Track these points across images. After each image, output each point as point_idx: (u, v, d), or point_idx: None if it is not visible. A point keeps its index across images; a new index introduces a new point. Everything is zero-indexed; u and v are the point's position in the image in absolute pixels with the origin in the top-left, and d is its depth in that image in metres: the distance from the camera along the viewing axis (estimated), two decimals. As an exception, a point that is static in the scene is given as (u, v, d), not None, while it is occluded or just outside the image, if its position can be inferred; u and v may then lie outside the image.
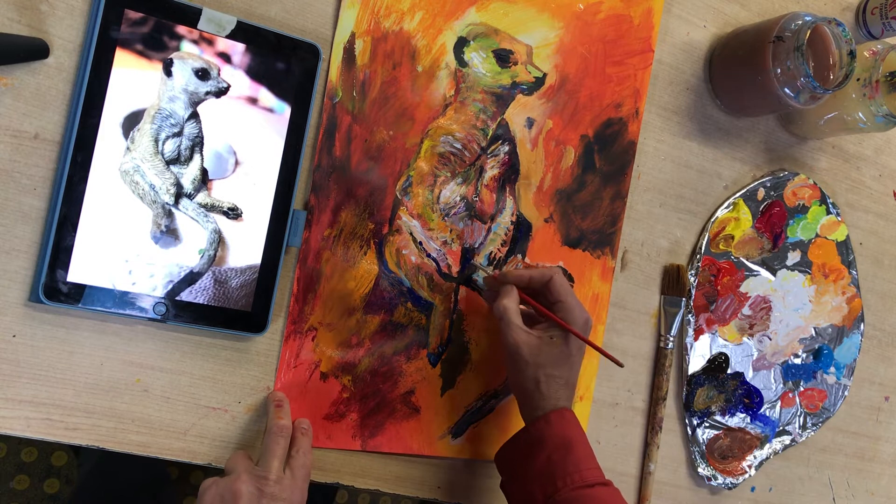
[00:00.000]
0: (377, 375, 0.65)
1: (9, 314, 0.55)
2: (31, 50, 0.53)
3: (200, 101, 0.57)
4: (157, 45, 0.56)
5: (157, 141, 0.56)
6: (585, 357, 0.73)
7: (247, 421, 0.62)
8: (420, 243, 0.66)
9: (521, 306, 0.64)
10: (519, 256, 0.70)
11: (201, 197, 0.58)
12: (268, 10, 0.61)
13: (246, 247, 0.59)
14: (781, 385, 0.83)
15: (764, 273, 0.81)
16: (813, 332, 0.84)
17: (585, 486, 0.58)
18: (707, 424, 0.80)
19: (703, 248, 0.78)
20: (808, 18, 0.68)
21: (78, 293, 0.55)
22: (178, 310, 0.57)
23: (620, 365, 0.63)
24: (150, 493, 0.96)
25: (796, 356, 0.84)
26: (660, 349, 0.77)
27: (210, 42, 0.57)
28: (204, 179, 0.58)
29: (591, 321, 0.63)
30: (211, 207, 0.58)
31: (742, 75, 0.74)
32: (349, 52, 0.63)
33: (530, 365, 0.61)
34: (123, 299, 0.56)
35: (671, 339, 0.77)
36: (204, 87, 0.57)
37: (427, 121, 0.66)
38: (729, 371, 0.80)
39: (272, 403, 0.60)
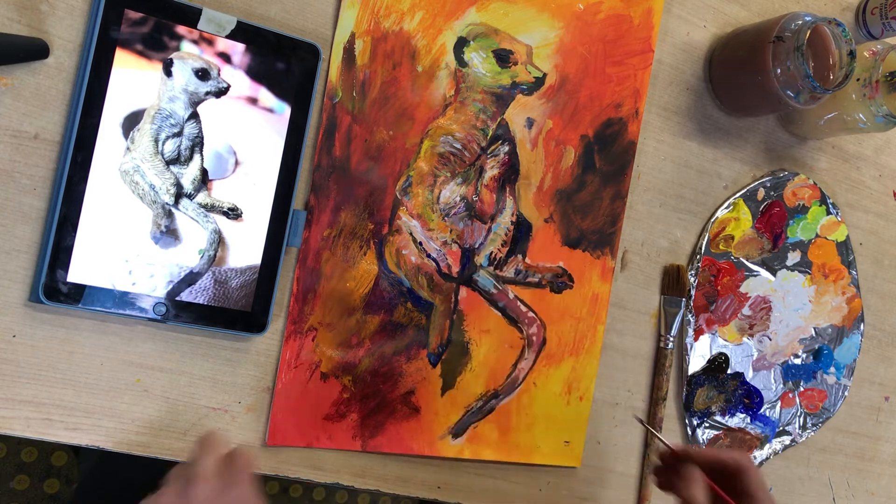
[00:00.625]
0: (377, 375, 0.65)
1: (9, 314, 0.55)
2: (31, 50, 0.53)
3: (200, 101, 0.57)
4: (157, 45, 0.56)
5: (157, 141, 0.56)
6: (585, 357, 0.73)
7: (247, 421, 0.62)
8: (420, 243, 0.66)
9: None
10: (519, 257, 0.70)
11: (201, 197, 0.58)
12: (268, 10, 0.61)
13: (246, 247, 0.59)
14: (781, 385, 0.83)
15: (764, 273, 0.81)
16: (813, 333, 0.84)
17: None
18: (707, 424, 0.80)
19: (703, 249, 0.78)
20: (808, 18, 0.68)
21: (78, 293, 0.55)
22: (178, 310, 0.57)
23: None
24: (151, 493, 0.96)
25: (796, 356, 0.84)
26: (660, 349, 0.77)
27: (210, 42, 0.57)
28: (204, 179, 0.58)
29: None
30: (211, 207, 0.58)
31: (742, 75, 0.74)
32: (349, 52, 0.63)
33: None
34: (123, 299, 0.56)
35: (671, 339, 0.77)
36: (204, 87, 0.57)
37: (427, 121, 0.66)
38: (729, 371, 0.80)
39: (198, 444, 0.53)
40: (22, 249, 0.55)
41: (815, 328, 0.84)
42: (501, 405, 0.70)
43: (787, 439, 0.84)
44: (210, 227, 0.58)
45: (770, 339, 0.82)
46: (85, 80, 0.54)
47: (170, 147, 0.57)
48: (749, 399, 0.81)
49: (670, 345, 0.77)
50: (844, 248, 0.85)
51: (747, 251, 0.80)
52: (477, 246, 0.69)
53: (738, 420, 0.81)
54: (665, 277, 0.77)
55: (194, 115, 0.57)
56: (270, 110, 0.60)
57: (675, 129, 0.77)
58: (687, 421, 0.79)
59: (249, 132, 0.59)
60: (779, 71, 0.68)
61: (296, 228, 0.61)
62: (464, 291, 0.68)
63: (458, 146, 0.67)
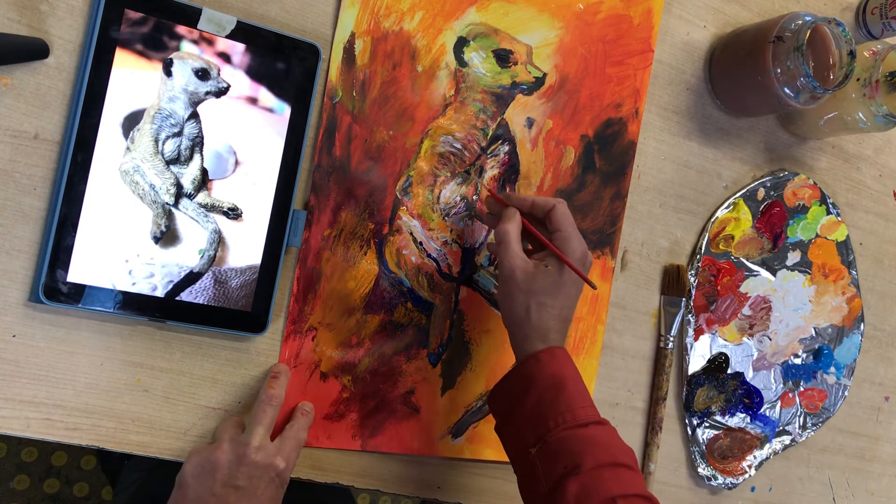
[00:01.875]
0: (377, 375, 0.65)
1: (9, 314, 0.55)
2: (31, 50, 0.53)
3: (200, 101, 0.57)
4: (157, 45, 0.56)
5: (157, 141, 0.56)
6: (585, 358, 0.73)
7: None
8: (420, 243, 0.66)
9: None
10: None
11: (201, 197, 0.58)
12: (267, 10, 0.61)
13: (246, 247, 0.59)
14: (781, 385, 0.83)
15: (764, 273, 0.81)
16: (813, 332, 0.84)
17: (578, 425, 0.55)
18: (707, 424, 0.80)
19: (703, 248, 0.78)
20: (808, 18, 0.68)
21: (78, 293, 0.55)
22: (178, 310, 0.57)
23: (593, 287, 0.60)
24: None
25: (796, 356, 0.84)
26: (660, 349, 0.77)
27: (210, 42, 0.57)
28: (204, 179, 0.58)
29: (591, 256, 0.61)
30: (211, 207, 0.58)
31: (742, 75, 0.74)
32: (349, 52, 0.63)
33: (522, 292, 0.58)
34: (123, 299, 0.56)
35: (671, 339, 0.77)
36: (204, 87, 0.57)
37: (427, 121, 0.66)
38: (729, 371, 0.80)
39: (269, 375, 0.61)
40: (22, 249, 0.55)
41: (815, 328, 0.84)
42: (501, 405, 0.70)
43: (787, 439, 0.84)
44: (210, 227, 0.58)
45: (770, 339, 0.82)
46: (85, 80, 0.54)
47: (170, 147, 0.57)
48: (749, 399, 0.81)
49: (670, 345, 0.77)
50: (844, 247, 0.85)
51: (747, 251, 0.80)
52: (477, 246, 0.69)
53: (738, 420, 0.81)
54: (665, 277, 0.77)
55: (194, 115, 0.57)
56: (270, 110, 0.60)
57: (675, 129, 0.77)
58: (687, 421, 0.79)
59: (249, 132, 0.59)
60: (779, 71, 0.68)
61: (296, 228, 0.61)
62: (464, 291, 0.68)
63: (458, 146, 0.67)
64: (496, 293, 0.62)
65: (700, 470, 0.80)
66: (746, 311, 0.81)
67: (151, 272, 0.57)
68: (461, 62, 0.67)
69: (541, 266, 0.59)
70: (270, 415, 0.58)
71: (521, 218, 0.61)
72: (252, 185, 0.59)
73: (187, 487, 0.54)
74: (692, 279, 0.77)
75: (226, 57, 0.58)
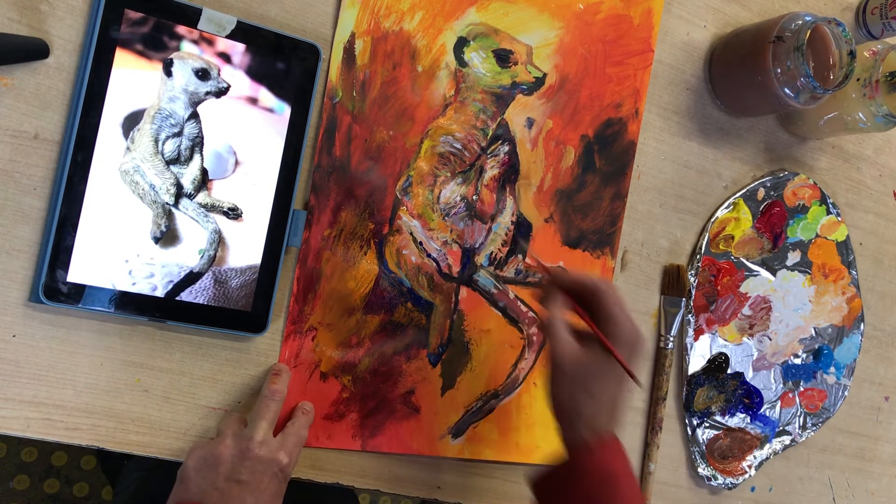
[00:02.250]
0: (377, 375, 0.65)
1: (9, 314, 0.55)
2: (31, 50, 0.53)
3: (200, 101, 0.57)
4: (157, 45, 0.56)
5: (157, 141, 0.56)
6: (585, 357, 0.73)
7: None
8: (420, 243, 0.66)
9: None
10: (519, 257, 0.70)
11: (201, 197, 0.58)
12: (268, 10, 0.61)
13: (246, 247, 0.59)
14: (781, 385, 0.83)
15: (764, 273, 0.81)
16: (813, 332, 0.84)
17: None
18: (707, 424, 0.80)
19: (703, 248, 0.78)
20: (808, 18, 0.68)
21: (78, 293, 0.55)
22: (178, 310, 0.57)
23: (640, 384, 0.58)
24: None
25: (796, 356, 0.84)
26: (660, 349, 0.77)
27: (210, 42, 0.57)
28: (204, 179, 0.58)
29: (644, 339, 0.58)
30: (211, 207, 0.58)
31: (742, 75, 0.74)
32: (349, 52, 0.63)
33: (570, 380, 0.55)
34: (123, 299, 0.56)
35: (671, 339, 0.77)
36: (204, 87, 0.57)
37: (427, 121, 0.66)
38: (729, 371, 0.80)
39: (270, 372, 0.61)
40: (22, 249, 0.55)
41: (815, 328, 0.84)
42: (501, 405, 0.70)
43: (787, 439, 0.84)
44: (210, 227, 0.58)
45: (770, 339, 0.82)
46: (85, 80, 0.54)
47: (170, 147, 0.57)
48: (749, 399, 0.81)
49: (670, 345, 0.77)
50: (844, 247, 0.85)
51: (747, 251, 0.80)
52: (477, 246, 0.69)
53: (738, 420, 0.81)
54: (665, 277, 0.77)
55: (194, 115, 0.57)
56: (270, 110, 0.60)
57: (675, 129, 0.77)
58: (687, 421, 0.79)
59: (249, 132, 0.59)
60: (779, 71, 0.68)
61: (296, 228, 0.61)
62: (464, 291, 0.68)
63: (458, 146, 0.67)
64: (547, 380, 0.58)
65: (700, 470, 0.80)
66: (746, 311, 0.81)
67: (151, 272, 0.57)
68: (461, 62, 0.67)
69: (589, 352, 0.55)
70: (273, 410, 0.58)
71: (571, 298, 0.58)
72: (252, 185, 0.59)
73: (189, 481, 0.54)
74: (692, 279, 0.77)
75: (226, 57, 0.58)
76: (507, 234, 0.69)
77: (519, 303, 0.70)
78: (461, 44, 0.67)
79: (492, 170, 0.69)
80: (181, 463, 0.58)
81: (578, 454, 0.55)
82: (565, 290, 0.58)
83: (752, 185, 0.80)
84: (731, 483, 0.81)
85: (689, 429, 0.79)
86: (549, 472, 0.57)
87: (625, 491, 0.53)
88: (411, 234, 0.66)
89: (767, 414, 0.82)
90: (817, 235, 0.83)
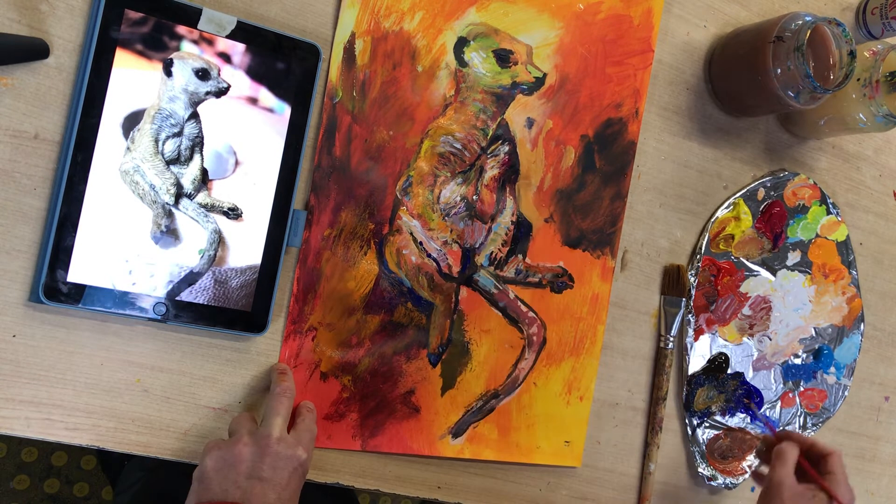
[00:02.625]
0: (377, 375, 0.65)
1: (9, 314, 0.55)
2: (31, 50, 0.53)
3: (200, 101, 0.57)
4: (157, 45, 0.56)
5: (157, 141, 0.56)
6: (586, 357, 0.73)
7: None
8: (420, 243, 0.66)
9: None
10: (520, 256, 0.70)
11: (201, 197, 0.58)
12: (268, 10, 0.61)
13: (246, 247, 0.59)
14: (781, 385, 0.83)
15: (764, 273, 0.81)
16: (813, 332, 0.84)
17: None
18: (707, 424, 0.80)
19: (703, 248, 0.78)
20: (808, 18, 0.68)
21: (78, 293, 0.55)
22: (178, 310, 0.57)
23: None
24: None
25: (796, 356, 0.84)
26: (660, 349, 0.77)
27: (210, 42, 0.57)
28: (204, 179, 0.58)
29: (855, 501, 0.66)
30: (211, 207, 0.58)
31: (742, 75, 0.74)
32: (349, 52, 0.63)
33: None
34: (123, 299, 0.56)
35: (671, 339, 0.77)
36: (204, 87, 0.57)
37: (427, 121, 0.66)
38: (729, 371, 0.80)
39: (275, 371, 0.61)
40: (22, 249, 0.55)
41: (815, 328, 0.84)
42: (501, 405, 0.70)
43: (787, 439, 0.84)
44: (210, 227, 0.58)
45: (770, 339, 0.82)
46: (85, 80, 0.54)
47: (170, 147, 0.57)
48: (749, 399, 0.81)
49: (670, 345, 0.77)
50: (844, 247, 0.85)
51: (747, 251, 0.80)
52: (477, 246, 0.69)
53: (738, 420, 0.81)
54: (665, 277, 0.77)
55: (194, 115, 0.57)
56: (270, 110, 0.60)
57: (675, 129, 0.77)
58: (687, 421, 0.79)
59: (249, 132, 0.59)
60: (779, 71, 0.68)
61: (296, 228, 0.61)
62: (464, 291, 0.68)
63: (458, 146, 0.67)
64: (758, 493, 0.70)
65: (700, 470, 0.80)
66: (746, 311, 0.81)
67: (151, 272, 0.57)
68: (461, 62, 0.67)
69: (808, 494, 0.64)
70: (286, 406, 0.58)
71: (798, 454, 0.67)
72: (252, 185, 0.59)
73: (210, 481, 0.53)
74: (692, 279, 0.77)
75: (226, 57, 0.58)
76: (507, 234, 0.69)
77: (519, 303, 0.70)
78: (461, 44, 0.67)
79: (492, 170, 0.69)
80: (182, 463, 0.58)
81: None
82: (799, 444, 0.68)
83: (752, 185, 0.80)
84: (731, 483, 0.81)
85: (689, 429, 0.79)
86: None
87: None
88: (411, 234, 0.66)
89: (768, 414, 0.82)
90: (817, 235, 0.83)
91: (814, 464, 0.67)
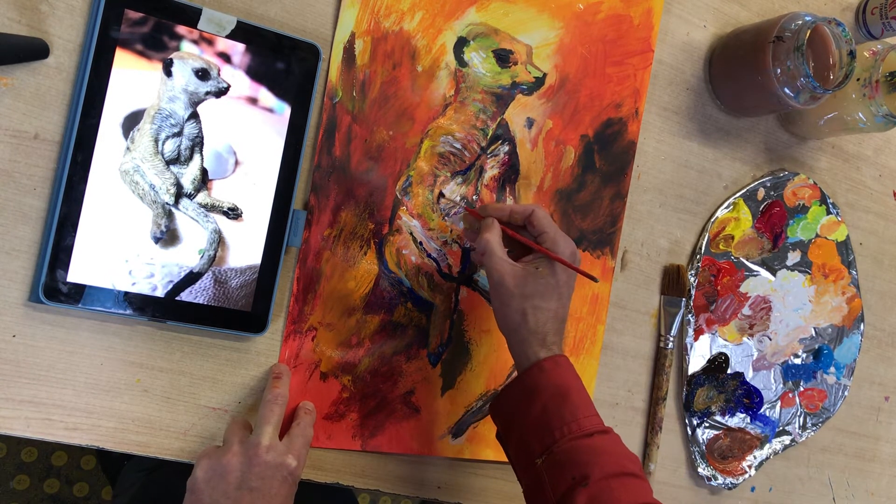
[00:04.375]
0: (377, 375, 0.65)
1: (9, 314, 0.55)
2: (31, 50, 0.53)
3: (200, 101, 0.57)
4: (157, 45, 0.56)
5: (157, 141, 0.56)
6: (585, 358, 0.73)
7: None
8: (420, 243, 0.66)
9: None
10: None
11: (201, 197, 0.58)
12: (268, 10, 0.61)
13: (246, 247, 0.59)
14: (781, 385, 0.83)
15: (764, 273, 0.81)
16: (813, 332, 0.84)
17: (584, 435, 0.55)
18: (707, 424, 0.80)
19: (703, 248, 0.78)
20: (808, 18, 0.68)
21: (78, 293, 0.55)
22: (178, 310, 0.57)
23: (595, 280, 0.60)
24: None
25: (796, 356, 0.84)
26: (660, 349, 0.77)
27: (210, 42, 0.57)
28: (204, 179, 0.58)
29: (579, 254, 0.61)
30: (211, 207, 0.58)
31: (742, 75, 0.74)
32: (349, 51, 0.63)
33: (516, 296, 0.58)
34: (123, 299, 0.56)
35: (671, 339, 0.77)
36: (204, 87, 0.57)
37: (427, 121, 0.66)
38: (729, 371, 0.80)
39: (270, 376, 0.61)
40: (22, 249, 0.55)
41: (815, 328, 0.84)
42: (501, 405, 0.70)
43: (787, 439, 0.84)
44: (210, 227, 0.58)
45: (770, 339, 0.82)
46: (85, 80, 0.54)
47: (170, 147, 0.57)
48: (749, 399, 0.81)
49: (670, 345, 0.77)
50: (844, 247, 0.85)
51: (747, 251, 0.80)
52: (477, 246, 0.68)
53: (738, 420, 0.81)
54: (665, 277, 0.77)
55: (194, 115, 0.57)
56: (270, 110, 0.60)
57: (675, 129, 0.77)
58: (687, 421, 0.79)
59: (249, 132, 0.59)
60: (779, 71, 0.68)
61: (296, 228, 0.61)
62: (464, 291, 0.68)
63: (458, 146, 0.67)
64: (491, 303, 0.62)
65: (700, 470, 0.80)
66: (746, 311, 0.81)
67: (151, 272, 0.57)
68: (461, 62, 0.67)
69: (530, 269, 0.59)
70: (278, 413, 0.58)
71: (503, 227, 0.61)
72: (252, 185, 0.59)
73: (200, 492, 0.54)
74: (692, 279, 0.77)
75: (226, 57, 0.58)
76: (507, 234, 0.69)
77: (519, 303, 0.70)
78: (461, 44, 0.67)
79: (492, 170, 0.69)
80: (181, 464, 0.58)
81: (532, 371, 0.58)
82: (497, 218, 0.61)
83: (752, 185, 0.80)
84: (731, 483, 0.81)
85: (689, 429, 0.79)
86: (504, 390, 0.60)
87: (577, 403, 0.56)
88: (411, 234, 0.66)
89: (767, 414, 0.82)
90: (817, 235, 0.83)
91: (522, 231, 0.62)
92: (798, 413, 0.84)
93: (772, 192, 0.81)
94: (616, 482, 0.53)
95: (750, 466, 0.82)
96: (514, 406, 0.59)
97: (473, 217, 0.64)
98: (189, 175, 0.58)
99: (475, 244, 0.61)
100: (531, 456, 0.56)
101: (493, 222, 0.61)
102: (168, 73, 0.56)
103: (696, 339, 0.78)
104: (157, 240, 0.57)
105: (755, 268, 0.81)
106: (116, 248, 0.56)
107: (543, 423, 0.56)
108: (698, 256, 0.78)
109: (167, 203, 0.57)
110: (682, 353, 0.78)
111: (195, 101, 0.57)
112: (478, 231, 0.62)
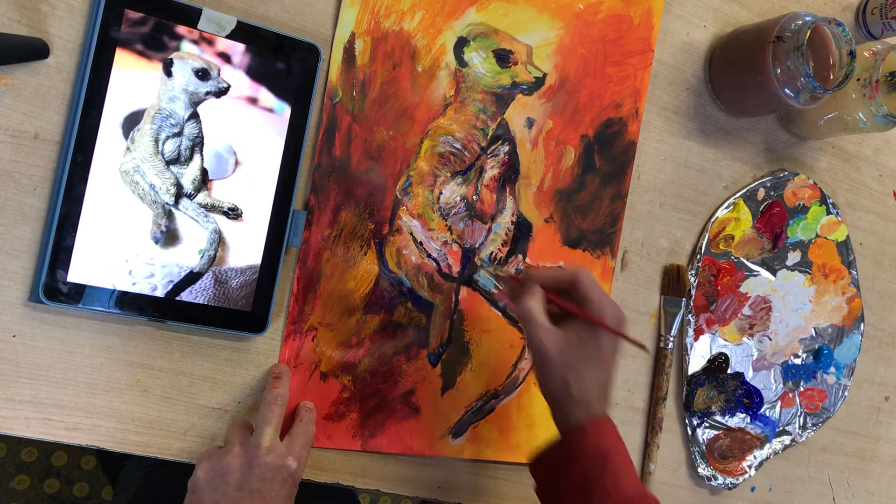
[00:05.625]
0: (377, 375, 0.65)
1: (9, 314, 0.55)
2: (31, 50, 0.53)
3: (200, 101, 0.57)
4: (157, 45, 0.56)
5: (157, 141, 0.56)
6: (585, 357, 0.73)
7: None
8: (420, 243, 0.66)
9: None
10: (520, 257, 0.70)
11: (201, 197, 0.58)
12: (268, 10, 0.61)
13: (246, 247, 0.59)
14: (781, 385, 0.83)
15: (764, 273, 0.81)
16: (813, 332, 0.84)
17: (625, 500, 0.54)
18: (707, 424, 0.80)
19: (703, 248, 0.78)
20: (808, 18, 0.68)
21: (78, 293, 0.55)
22: (178, 310, 0.57)
23: (645, 349, 0.59)
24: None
25: (796, 356, 0.84)
26: (660, 349, 0.77)
27: (210, 42, 0.57)
28: (204, 179, 0.58)
29: (625, 319, 0.59)
30: (211, 207, 0.58)
31: (742, 75, 0.74)
32: (349, 51, 0.63)
33: (559, 365, 0.56)
34: (123, 299, 0.56)
35: (671, 339, 0.77)
36: (204, 87, 0.57)
37: (427, 121, 0.66)
38: (729, 371, 0.80)
39: (270, 375, 0.61)
40: (22, 249, 0.55)
41: (815, 328, 0.84)
42: (501, 405, 0.70)
43: (787, 439, 0.84)
44: (210, 227, 0.58)
45: (770, 339, 0.82)
46: (85, 80, 0.54)
47: (170, 147, 0.57)
48: (749, 399, 0.81)
49: (670, 345, 0.77)
50: (844, 247, 0.85)
51: (747, 251, 0.80)
52: (477, 246, 0.69)
53: (738, 420, 0.81)
54: (665, 277, 0.77)
55: (194, 115, 0.57)
56: (270, 110, 0.60)
57: (675, 129, 0.77)
58: (687, 421, 0.79)
59: (249, 132, 0.59)
60: (779, 71, 0.68)
61: (296, 228, 0.61)
62: (464, 291, 0.68)
63: (458, 146, 0.67)
64: (535, 370, 0.60)
65: (700, 470, 0.80)
66: (746, 311, 0.81)
67: (151, 272, 0.57)
68: (461, 62, 0.67)
69: (572, 336, 0.57)
70: (278, 414, 0.58)
71: (546, 292, 0.59)
72: (252, 185, 0.59)
73: (201, 493, 0.54)
74: (692, 279, 0.77)
75: (226, 57, 0.58)
76: (507, 234, 0.69)
77: (519, 303, 0.70)
78: (461, 44, 0.67)
79: (492, 170, 0.69)
80: (181, 463, 0.58)
81: (573, 435, 0.57)
82: (540, 285, 0.59)
83: (752, 185, 0.80)
84: (731, 483, 0.81)
85: (689, 429, 0.79)
86: (545, 453, 0.59)
87: (618, 468, 0.55)
88: (411, 234, 0.66)
89: (767, 414, 0.82)
90: (817, 235, 0.83)
91: (566, 296, 0.59)
92: (798, 413, 0.84)
93: (772, 192, 0.81)
94: None
95: (750, 466, 0.82)
96: (554, 468, 0.58)
97: (515, 282, 0.62)
98: (189, 175, 0.58)
99: (518, 309, 0.59)
100: None
101: (536, 288, 0.59)
102: (168, 73, 0.56)
103: (696, 339, 0.78)
104: (157, 240, 0.57)
105: (755, 268, 0.81)
106: (116, 248, 0.56)
107: (583, 488, 0.55)
108: (698, 256, 0.78)
109: (167, 203, 0.57)
110: (682, 353, 0.78)
111: (195, 101, 0.57)
112: (516, 293, 0.60)
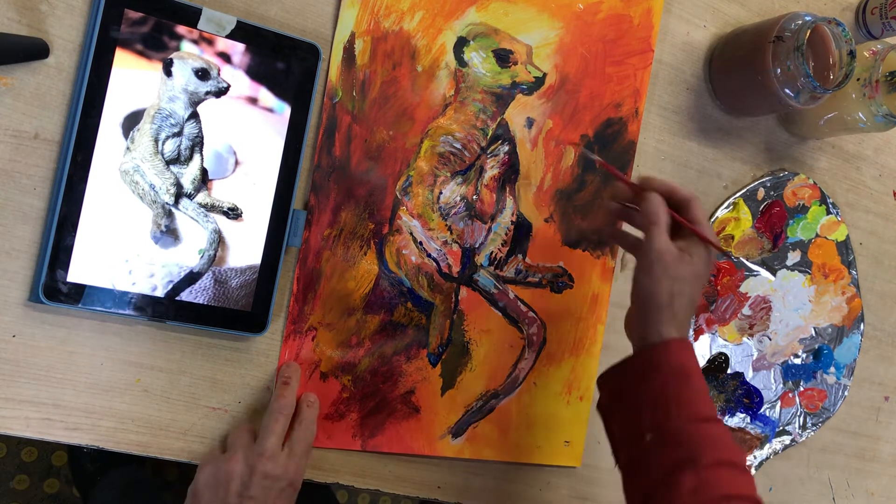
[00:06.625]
0: (377, 375, 0.65)
1: (9, 314, 0.55)
2: (31, 50, 0.53)
3: (200, 100, 0.57)
4: (157, 45, 0.56)
5: (157, 141, 0.56)
6: (585, 357, 0.73)
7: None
8: (420, 243, 0.66)
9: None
10: (519, 256, 0.70)
11: (201, 197, 0.58)
12: (268, 10, 0.61)
13: (246, 247, 0.59)
14: (781, 385, 0.83)
15: (764, 273, 0.81)
16: (813, 332, 0.84)
17: (700, 419, 0.55)
18: (707, 424, 0.80)
19: (703, 248, 0.78)
20: (808, 18, 0.68)
21: (78, 293, 0.55)
22: (178, 310, 0.57)
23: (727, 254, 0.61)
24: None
25: (796, 356, 0.84)
26: (660, 349, 0.77)
27: (210, 42, 0.57)
28: (204, 179, 0.58)
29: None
30: (211, 207, 0.58)
31: (742, 75, 0.74)
32: (349, 51, 0.63)
33: (669, 277, 0.57)
34: (123, 299, 0.56)
35: (671, 339, 0.76)
36: (204, 86, 0.57)
37: (427, 121, 0.66)
38: (729, 371, 0.80)
39: (280, 380, 0.61)
40: (22, 249, 0.55)
41: (815, 328, 0.84)
42: (501, 405, 0.70)
43: (787, 439, 0.84)
44: (210, 227, 0.58)
45: (770, 339, 0.82)
46: (85, 80, 0.54)
47: (170, 147, 0.57)
48: (749, 399, 0.81)
49: (670, 345, 0.77)
50: (844, 247, 0.85)
51: (747, 251, 0.80)
52: (477, 246, 0.69)
53: (738, 420, 0.81)
54: (665, 277, 0.77)
55: (194, 115, 0.57)
56: (270, 110, 0.60)
57: (675, 129, 0.77)
58: (687, 421, 0.79)
59: (249, 132, 0.59)
60: (779, 71, 0.68)
61: (296, 228, 0.61)
62: (464, 291, 0.68)
63: (458, 146, 0.67)
64: (634, 273, 0.60)
65: (700, 470, 0.79)
66: (746, 311, 0.81)
67: (151, 272, 0.57)
68: (461, 62, 0.67)
69: (685, 253, 0.58)
70: (282, 423, 0.58)
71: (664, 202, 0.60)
72: (252, 185, 0.59)
73: (200, 497, 0.55)
74: (692, 279, 0.77)
75: (226, 57, 0.58)
76: (507, 234, 0.69)
77: (519, 303, 0.70)
78: (461, 44, 0.67)
79: (492, 170, 0.69)
80: (156, 483, 0.59)
81: (657, 349, 0.57)
82: (659, 192, 0.60)
83: (752, 185, 0.80)
84: (731, 483, 0.81)
85: (689, 429, 0.79)
86: (619, 365, 0.59)
87: (699, 387, 0.56)
88: (411, 234, 0.66)
89: (767, 414, 0.82)
90: (817, 235, 0.83)
91: (678, 211, 0.60)
92: (798, 413, 0.84)
93: (772, 192, 0.81)
94: (724, 471, 0.53)
95: (750, 466, 0.82)
96: (631, 379, 0.58)
97: (629, 187, 0.62)
98: (189, 175, 0.58)
99: (645, 208, 0.59)
100: (640, 429, 0.56)
101: (660, 199, 0.59)
102: (168, 72, 0.56)
103: (696, 339, 0.78)
104: (157, 240, 0.57)
105: (755, 268, 0.81)
106: (116, 247, 0.56)
107: (661, 401, 0.55)
108: (698, 256, 0.78)
109: (167, 203, 0.57)
110: (682, 353, 0.78)
111: (195, 101, 0.57)
112: (622, 197, 0.62)
